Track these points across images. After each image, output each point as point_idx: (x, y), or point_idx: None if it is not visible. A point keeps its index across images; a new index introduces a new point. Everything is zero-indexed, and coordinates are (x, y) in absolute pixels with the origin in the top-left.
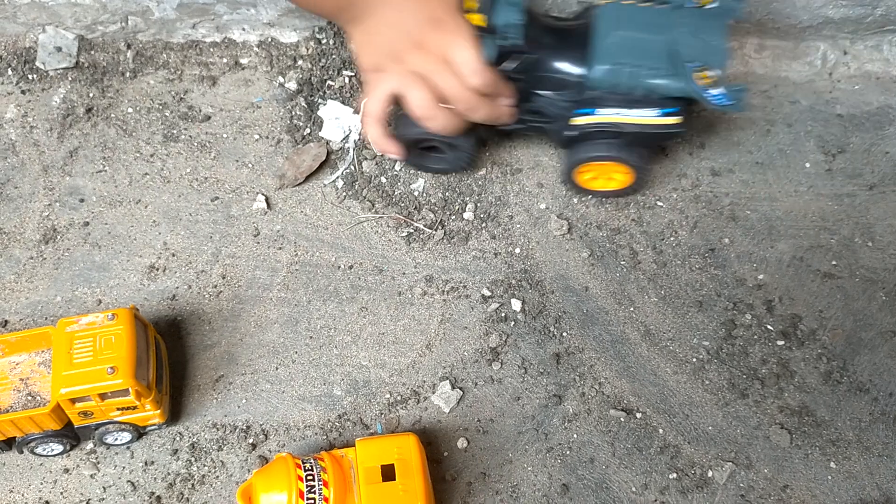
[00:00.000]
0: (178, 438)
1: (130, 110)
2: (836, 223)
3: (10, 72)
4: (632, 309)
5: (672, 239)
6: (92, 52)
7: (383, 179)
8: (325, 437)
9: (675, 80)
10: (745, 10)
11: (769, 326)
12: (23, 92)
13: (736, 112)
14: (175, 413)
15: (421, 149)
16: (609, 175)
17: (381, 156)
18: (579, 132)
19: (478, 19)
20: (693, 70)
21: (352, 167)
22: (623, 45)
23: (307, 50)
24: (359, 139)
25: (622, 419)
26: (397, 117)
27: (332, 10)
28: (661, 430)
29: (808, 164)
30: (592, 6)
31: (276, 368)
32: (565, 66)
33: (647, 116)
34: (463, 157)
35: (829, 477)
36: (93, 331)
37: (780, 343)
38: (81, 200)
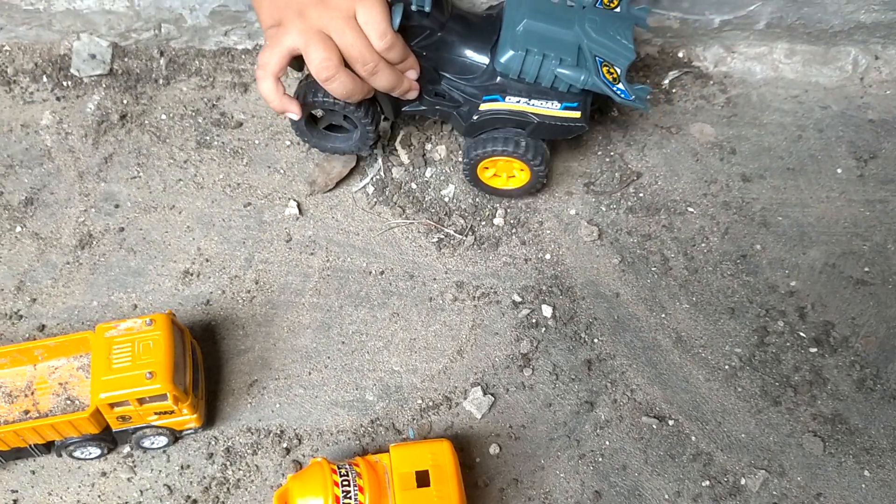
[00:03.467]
0: (213, 442)
1: (164, 117)
2: (868, 229)
3: (45, 79)
4: (663, 315)
5: (703, 245)
6: (125, 59)
7: (413, 185)
8: (357, 441)
9: (581, 72)
10: (649, 19)
11: (802, 333)
12: (58, 99)
13: (641, 110)
14: (210, 417)
15: (324, 128)
16: (511, 172)
17: (410, 163)
18: (485, 118)
19: None
20: (599, 64)
21: (381, 173)
22: (533, 34)
23: None
24: (387, 145)
25: (654, 426)
26: (301, 84)
27: None
28: (693, 438)
29: (839, 170)
30: (504, 1)
31: (309, 373)
32: (474, 51)
33: (549, 109)
34: (364, 138)
35: (863, 485)
36: (131, 336)
37: (813, 350)
38: (116, 206)
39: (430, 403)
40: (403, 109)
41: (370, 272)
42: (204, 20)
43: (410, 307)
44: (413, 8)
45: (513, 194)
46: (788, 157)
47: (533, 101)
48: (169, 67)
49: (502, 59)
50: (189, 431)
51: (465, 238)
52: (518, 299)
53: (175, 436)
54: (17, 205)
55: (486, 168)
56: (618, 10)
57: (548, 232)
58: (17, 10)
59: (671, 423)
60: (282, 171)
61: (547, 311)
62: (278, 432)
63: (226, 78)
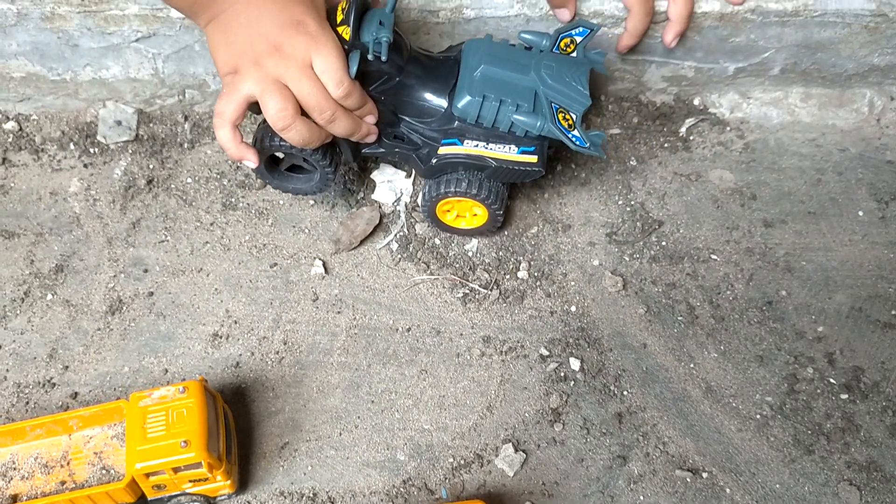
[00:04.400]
0: None
1: (189, 180)
2: (893, 271)
3: (72, 146)
4: (692, 365)
5: (728, 293)
6: (151, 125)
7: (437, 241)
8: (390, 503)
9: (537, 119)
10: (605, 64)
11: (832, 380)
12: (85, 166)
13: (595, 156)
14: (243, 481)
15: (285, 169)
16: (472, 211)
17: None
18: (444, 161)
19: (343, 31)
20: (555, 110)
21: (405, 230)
22: (489, 80)
23: None
24: (410, 202)
25: (688, 479)
26: (260, 128)
27: (186, 4)
28: (728, 490)
29: (861, 213)
30: (462, 43)
31: (340, 434)
32: (432, 94)
33: (507, 153)
34: (324, 180)
35: None
36: (165, 404)
37: (844, 396)
38: (145, 271)
39: (462, 461)
40: (363, 151)
41: (397, 329)
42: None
43: (438, 364)
44: (370, 56)
45: (470, 233)
46: (809, 201)
47: (490, 146)
48: (193, 131)
49: (460, 105)
50: (223, 497)
51: (490, 292)
52: (545, 353)
53: (209, 502)
54: (48, 272)
55: (447, 210)
56: (574, 55)
57: (572, 283)
58: (45, 81)
59: (705, 475)
60: (306, 231)
61: (575, 364)
62: (311, 495)
63: (248, 140)
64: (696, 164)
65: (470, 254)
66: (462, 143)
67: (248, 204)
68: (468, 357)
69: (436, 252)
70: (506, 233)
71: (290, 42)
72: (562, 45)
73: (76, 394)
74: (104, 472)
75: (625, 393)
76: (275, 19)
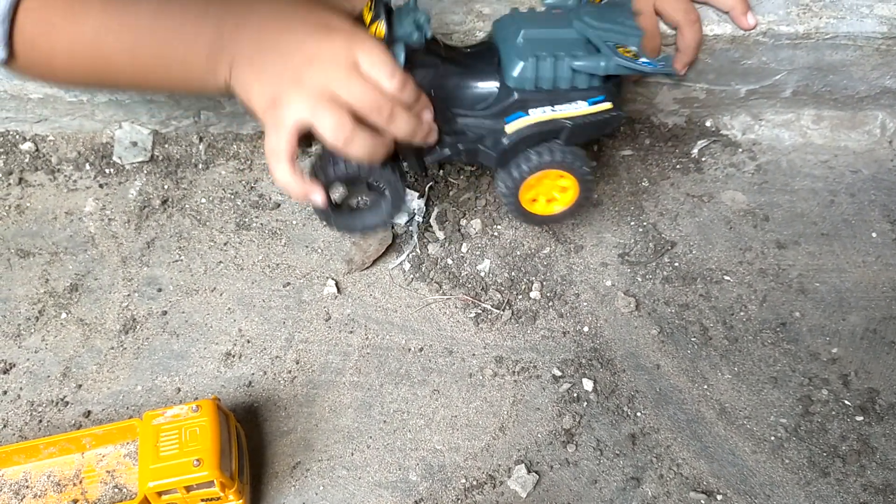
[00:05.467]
0: None
1: (204, 200)
2: None
3: (88, 167)
4: (705, 387)
5: (742, 314)
6: (166, 146)
7: (449, 261)
8: None
9: (601, 59)
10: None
11: (846, 402)
12: (101, 186)
13: (671, 74)
14: (255, 501)
15: (347, 208)
16: (551, 195)
17: (446, 239)
18: (515, 140)
19: (375, 29)
20: (614, 46)
21: (417, 250)
22: (535, 41)
23: None
24: (422, 221)
25: (703, 501)
26: (315, 163)
27: (201, 71)
28: None
29: (874, 234)
30: (487, 35)
31: (352, 454)
32: (480, 77)
33: (579, 108)
34: (396, 200)
35: None
36: (178, 423)
37: (859, 419)
38: (159, 290)
39: (475, 483)
40: (428, 160)
41: (409, 349)
42: (241, 106)
43: (450, 384)
44: (414, 40)
45: (564, 217)
46: (822, 223)
47: (558, 107)
48: (208, 152)
49: (514, 73)
50: None
51: (502, 312)
52: (558, 373)
53: None
54: (63, 291)
55: (533, 200)
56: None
57: (585, 304)
58: (62, 102)
59: (719, 497)
60: (319, 251)
61: (588, 384)
62: None
63: (263, 160)
64: (708, 186)
65: (482, 274)
66: (528, 114)
67: (261, 224)
68: (480, 377)
69: (448, 272)
70: (518, 253)
71: (325, 47)
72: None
73: (89, 412)
74: (116, 490)
75: (638, 414)
76: (300, 30)
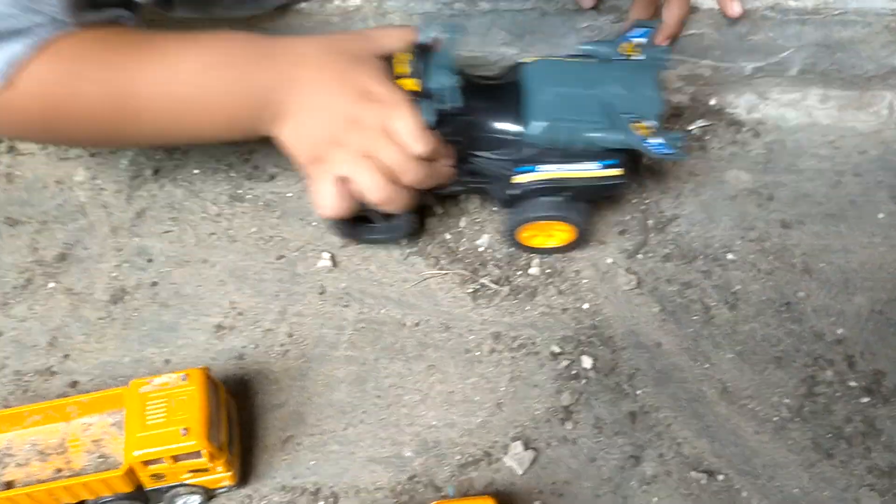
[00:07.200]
0: (247, 501)
1: (197, 171)
2: None
3: None
4: (707, 366)
5: (745, 293)
6: None
7: (447, 235)
8: (395, 499)
9: (613, 133)
10: (670, 61)
11: (852, 383)
12: (91, 155)
13: (677, 160)
14: (244, 474)
15: (353, 221)
16: (549, 233)
17: (444, 212)
18: (522, 191)
19: (411, 84)
20: (629, 121)
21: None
22: (558, 102)
23: None
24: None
25: (703, 481)
26: None
27: (246, 124)
28: (744, 493)
29: (881, 215)
30: (518, 63)
31: (345, 429)
32: (501, 125)
33: (589, 170)
34: (401, 227)
35: None
36: (166, 391)
37: (865, 400)
38: (149, 260)
39: (470, 459)
40: (437, 192)
41: (405, 324)
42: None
43: (447, 359)
44: (444, 106)
45: (556, 251)
46: (828, 203)
47: (569, 166)
48: None
49: (531, 132)
50: (223, 490)
51: (500, 288)
52: (557, 350)
53: (209, 494)
54: (51, 260)
55: (531, 234)
56: (639, 57)
57: (585, 281)
58: None
59: (721, 478)
60: (314, 224)
61: (587, 362)
62: (314, 490)
63: None
64: (711, 164)
65: (481, 249)
66: (536, 169)
67: (255, 196)
68: (477, 353)
69: (446, 247)
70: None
71: (364, 113)
72: (624, 50)
73: (76, 382)
74: (102, 459)
75: (638, 392)
76: (344, 93)
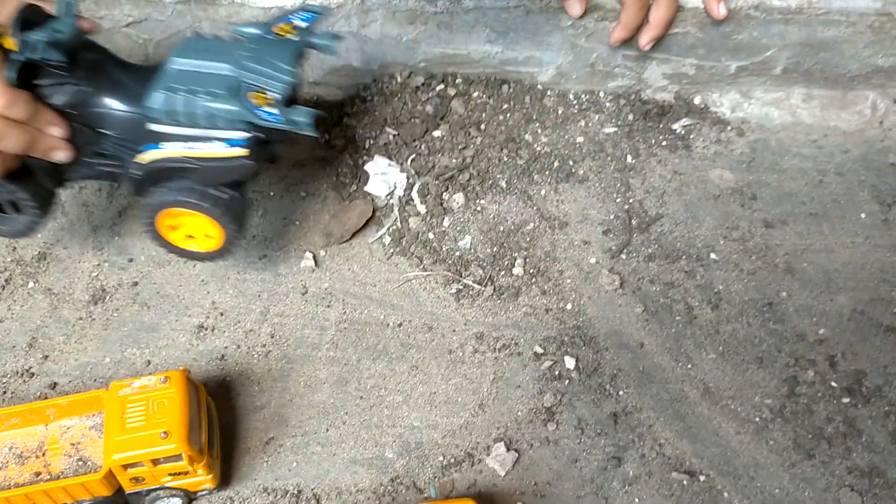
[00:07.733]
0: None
1: None
2: (895, 275)
3: None
4: (689, 366)
5: (728, 293)
6: None
7: (431, 235)
8: (377, 501)
9: (227, 102)
10: (331, 46)
11: (833, 383)
12: None
13: (303, 133)
14: (225, 477)
15: None
16: (196, 233)
17: (427, 213)
18: (145, 171)
19: (9, 43)
20: (248, 91)
21: (398, 224)
22: (183, 73)
23: (352, 108)
24: (404, 195)
25: (685, 482)
26: None
27: None
28: (726, 494)
29: (863, 215)
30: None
31: (327, 430)
32: (125, 101)
33: (213, 150)
34: (30, 218)
35: None
36: (145, 394)
37: (846, 400)
38: (130, 260)
39: (452, 460)
40: (66, 177)
41: (388, 324)
42: None
43: (430, 360)
44: (23, 57)
45: (204, 257)
46: (811, 203)
47: (194, 145)
48: None
49: (149, 103)
50: (204, 493)
51: (483, 289)
52: (540, 351)
53: (190, 497)
54: (31, 260)
55: (173, 227)
56: (294, 38)
57: (568, 281)
58: None
59: (702, 478)
60: (297, 223)
61: (570, 362)
62: (295, 492)
63: None
64: (695, 163)
65: (464, 249)
66: (160, 147)
67: None
68: (460, 354)
69: (429, 247)
70: (501, 228)
71: None
72: (279, 29)
73: (55, 384)
74: (81, 463)
75: (620, 393)
76: None
